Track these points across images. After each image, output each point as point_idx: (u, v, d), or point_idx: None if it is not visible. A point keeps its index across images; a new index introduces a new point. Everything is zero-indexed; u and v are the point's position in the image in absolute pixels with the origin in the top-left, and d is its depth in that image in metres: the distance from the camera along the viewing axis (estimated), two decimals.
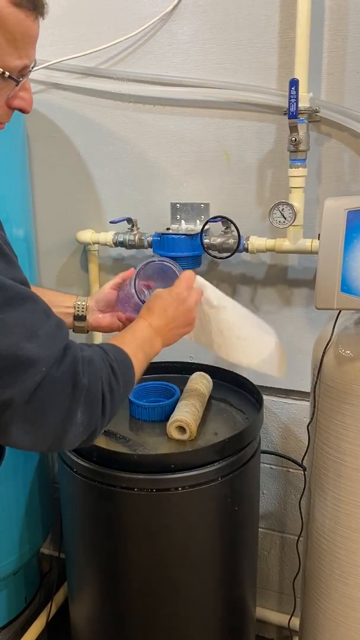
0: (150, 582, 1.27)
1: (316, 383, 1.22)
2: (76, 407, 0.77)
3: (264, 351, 1.17)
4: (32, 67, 0.82)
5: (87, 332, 1.23)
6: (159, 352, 1.03)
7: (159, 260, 1.17)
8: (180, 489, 1.19)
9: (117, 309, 1.21)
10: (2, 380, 0.72)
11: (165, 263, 1.17)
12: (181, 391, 1.43)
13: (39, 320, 0.77)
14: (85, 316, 1.20)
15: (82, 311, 1.20)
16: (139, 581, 1.28)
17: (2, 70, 0.77)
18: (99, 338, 1.68)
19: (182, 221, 1.52)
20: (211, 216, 1.48)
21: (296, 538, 1.58)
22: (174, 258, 1.47)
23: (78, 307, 1.21)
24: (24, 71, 0.80)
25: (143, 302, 1.09)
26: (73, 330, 1.20)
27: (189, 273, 1.11)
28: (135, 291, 1.12)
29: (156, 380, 1.49)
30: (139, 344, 0.96)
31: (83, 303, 1.21)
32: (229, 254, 1.43)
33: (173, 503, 1.21)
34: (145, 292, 1.19)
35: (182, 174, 1.54)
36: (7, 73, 0.77)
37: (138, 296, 1.12)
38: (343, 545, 1.19)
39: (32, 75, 1.60)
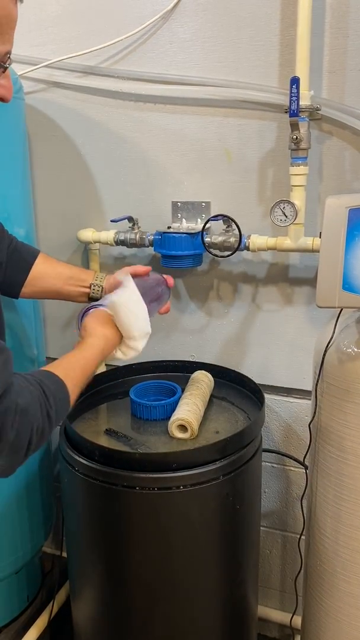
0: (152, 581, 1.27)
1: (318, 381, 1.22)
2: None
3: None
4: (10, 54, 0.81)
5: None
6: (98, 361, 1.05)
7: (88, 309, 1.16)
8: (181, 487, 1.19)
9: None
10: None
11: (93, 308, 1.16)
12: (182, 390, 1.43)
13: None
14: (100, 290, 1.25)
15: (98, 293, 1.24)
16: (140, 580, 1.28)
17: None
18: None
19: (183, 220, 1.52)
20: (212, 215, 1.48)
21: (298, 536, 1.58)
22: (174, 257, 1.48)
23: (94, 289, 1.24)
24: (4, 57, 0.79)
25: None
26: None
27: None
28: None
29: (157, 379, 1.49)
30: (83, 375, 0.98)
31: (100, 284, 1.24)
32: (230, 252, 1.43)
33: (174, 502, 1.21)
34: None
35: (183, 173, 1.53)
36: None
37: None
38: (345, 543, 1.19)
39: (32, 74, 1.61)
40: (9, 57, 0.80)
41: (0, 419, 0.76)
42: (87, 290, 1.26)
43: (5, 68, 0.79)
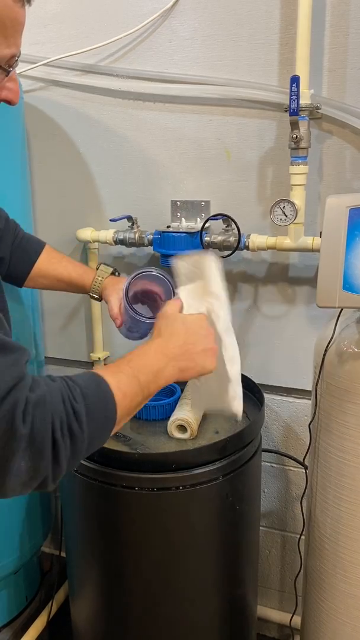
0: (151, 581, 1.27)
1: (318, 381, 1.21)
2: (14, 456, 0.68)
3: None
4: (18, 57, 0.80)
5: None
6: (169, 380, 0.87)
7: (147, 271, 1.12)
8: (181, 487, 1.19)
9: None
10: None
11: (154, 273, 1.12)
12: (182, 390, 1.43)
13: None
14: (101, 297, 1.25)
15: (97, 293, 1.24)
16: (140, 580, 1.27)
17: None
18: None
19: (183, 219, 1.51)
20: (212, 214, 1.47)
21: (297, 537, 1.58)
22: (174, 256, 1.46)
23: (94, 290, 1.25)
24: (11, 61, 0.78)
25: (139, 315, 1.10)
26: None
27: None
28: (130, 307, 1.12)
29: None
30: (140, 371, 0.82)
31: (97, 291, 1.24)
32: (230, 252, 1.43)
33: (174, 502, 1.21)
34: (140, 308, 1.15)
35: (183, 172, 1.53)
36: None
37: (134, 309, 1.12)
38: (345, 543, 1.19)
39: (31, 72, 1.60)
40: (17, 61, 0.80)
41: (10, 412, 0.68)
42: (86, 291, 1.29)
43: (9, 72, 0.78)
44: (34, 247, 1.28)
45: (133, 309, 1.13)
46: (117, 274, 1.28)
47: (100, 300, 1.28)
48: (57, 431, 0.71)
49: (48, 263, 1.27)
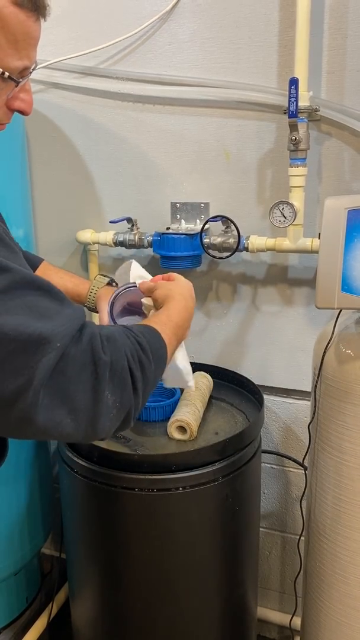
0: (151, 582, 1.27)
1: (317, 382, 1.22)
2: (102, 386, 0.71)
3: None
4: (33, 69, 0.82)
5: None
6: (185, 334, 0.99)
7: (131, 286, 1.13)
8: (180, 489, 1.19)
9: None
10: (15, 363, 0.66)
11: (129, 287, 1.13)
12: (182, 391, 1.43)
13: (50, 304, 0.72)
14: (95, 308, 1.22)
15: (92, 303, 1.22)
16: (140, 581, 1.27)
17: (1, 70, 0.76)
18: None
19: (182, 221, 1.52)
20: (211, 215, 1.48)
21: (297, 538, 1.58)
22: (173, 258, 1.47)
23: (89, 300, 1.22)
24: (24, 72, 0.80)
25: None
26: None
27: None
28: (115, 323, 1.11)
29: None
30: (167, 327, 0.89)
31: (93, 302, 1.21)
32: (229, 253, 1.43)
33: (174, 503, 1.21)
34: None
35: (182, 174, 1.53)
36: (6, 73, 0.77)
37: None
38: (344, 544, 1.19)
39: (31, 75, 1.60)
40: (30, 73, 0.81)
41: (90, 344, 0.71)
42: (82, 303, 1.24)
43: (18, 82, 0.79)
44: (32, 260, 1.27)
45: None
46: (114, 284, 1.25)
47: (97, 312, 1.24)
48: (130, 361, 0.75)
49: (43, 274, 1.24)
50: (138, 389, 0.76)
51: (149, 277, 1.11)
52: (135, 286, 1.08)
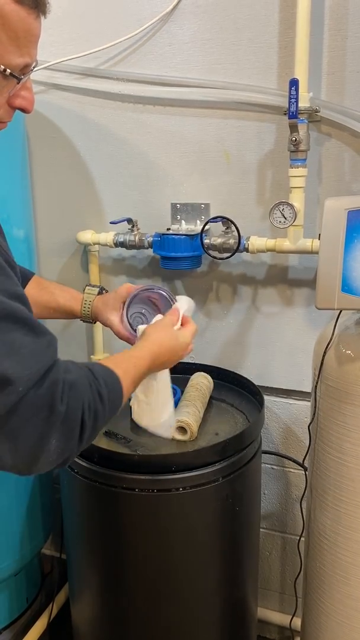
0: (151, 583, 1.27)
1: (317, 383, 1.22)
2: (50, 433, 0.73)
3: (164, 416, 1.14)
4: (34, 67, 0.82)
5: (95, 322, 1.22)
6: (152, 372, 1.02)
7: (148, 289, 1.15)
8: (181, 489, 1.19)
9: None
10: None
11: (157, 291, 1.15)
12: (182, 392, 1.43)
13: (25, 338, 0.73)
14: (92, 320, 1.20)
15: (88, 317, 1.20)
16: (140, 581, 1.28)
17: (3, 67, 0.76)
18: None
19: (183, 221, 1.52)
20: (211, 216, 1.48)
21: (297, 538, 1.58)
22: (174, 258, 1.47)
23: (84, 314, 1.20)
24: (25, 70, 0.80)
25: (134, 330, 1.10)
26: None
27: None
28: (129, 322, 1.12)
29: None
30: (134, 369, 0.92)
31: (88, 315, 1.19)
32: (230, 254, 1.43)
33: (174, 504, 1.21)
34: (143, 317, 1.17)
35: (183, 174, 1.53)
36: (8, 71, 0.77)
37: (131, 326, 1.12)
38: (344, 545, 1.19)
39: (32, 75, 1.60)
40: (31, 70, 0.81)
41: (50, 390, 0.73)
42: (77, 317, 1.23)
43: (20, 79, 0.80)
44: (24, 275, 1.24)
45: (131, 326, 1.12)
46: (103, 291, 1.24)
47: (93, 323, 1.22)
48: (85, 412, 0.77)
49: (34, 290, 1.20)
50: (84, 438, 0.78)
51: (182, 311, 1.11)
52: (160, 290, 1.12)
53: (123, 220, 1.52)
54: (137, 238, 1.53)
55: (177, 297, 1.13)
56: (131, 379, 0.90)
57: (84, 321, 1.22)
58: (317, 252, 1.23)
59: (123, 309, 1.13)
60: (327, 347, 1.18)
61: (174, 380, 1.46)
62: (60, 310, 1.22)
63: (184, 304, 1.11)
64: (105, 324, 1.19)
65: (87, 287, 1.23)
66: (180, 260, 1.48)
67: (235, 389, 1.53)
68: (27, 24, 0.77)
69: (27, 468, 0.76)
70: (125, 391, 0.87)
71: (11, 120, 0.86)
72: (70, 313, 1.22)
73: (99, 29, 1.51)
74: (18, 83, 0.80)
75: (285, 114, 1.31)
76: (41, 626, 1.69)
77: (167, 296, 1.13)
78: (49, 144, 1.65)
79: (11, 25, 0.75)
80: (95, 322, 1.22)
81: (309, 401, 1.38)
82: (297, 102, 1.28)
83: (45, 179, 1.69)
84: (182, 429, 1.29)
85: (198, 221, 1.52)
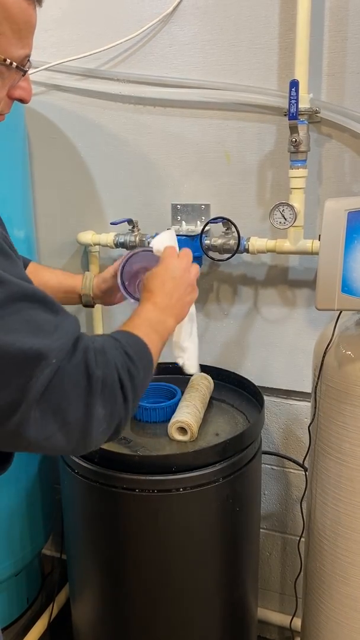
0: (152, 583, 1.27)
1: (317, 384, 1.22)
2: (94, 401, 0.72)
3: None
4: (29, 57, 0.82)
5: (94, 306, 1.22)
6: (173, 328, 0.98)
7: (141, 251, 1.11)
8: (181, 490, 1.19)
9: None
10: (11, 378, 0.67)
11: (147, 251, 1.10)
12: (182, 392, 1.44)
13: (45, 315, 0.72)
14: (93, 303, 1.20)
15: (89, 302, 1.19)
16: (140, 582, 1.28)
17: (9, 61, 0.76)
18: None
19: (183, 222, 1.52)
20: (212, 217, 1.48)
21: (297, 539, 1.58)
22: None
23: (85, 298, 1.19)
24: (24, 60, 0.80)
25: (136, 299, 1.07)
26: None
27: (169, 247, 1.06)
28: (125, 289, 1.09)
29: (157, 381, 1.49)
30: (150, 325, 0.90)
31: (88, 293, 1.18)
32: (230, 255, 1.43)
33: (174, 504, 1.21)
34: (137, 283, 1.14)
35: (183, 175, 1.54)
36: (14, 64, 0.77)
37: (127, 291, 1.09)
38: (344, 545, 1.19)
39: (32, 77, 1.61)
40: (29, 61, 0.81)
41: (83, 358, 0.72)
42: (77, 300, 1.21)
43: (25, 72, 0.80)
44: (24, 262, 1.24)
45: (131, 296, 1.10)
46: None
47: (93, 304, 1.21)
48: (121, 373, 0.76)
49: (34, 273, 1.19)
50: (128, 400, 0.77)
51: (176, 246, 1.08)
52: (151, 251, 1.05)
53: (123, 221, 1.53)
54: (137, 239, 1.53)
55: (154, 240, 1.08)
56: (155, 336, 0.89)
57: (84, 305, 1.20)
58: (317, 253, 1.23)
59: (118, 277, 1.11)
60: (327, 348, 1.18)
61: (173, 381, 1.48)
62: (61, 289, 1.21)
63: (162, 240, 1.06)
64: (106, 294, 1.18)
65: (86, 272, 1.24)
66: None
67: (235, 390, 1.53)
68: (28, 15, 0.77)
69: (83, 443, 0.73)
70: (150, 345, 0.85)
71: (9, 112, 0.86)
72: (71, 290, 1.21)
73: (99, 30, 1.51)
74: (24, 75, 0.81)
75: (285, 115, 1.31)
76: (41, 626, 1.69)
77: (150, 251, 1.08)
78: (50, 144, 1.65)
79: (14, 17, 0.75)
80: (94, 305, 1.21)
81: (309, 402, 1.38)
82: (297, 103, 1.29)
83: (46, 180, 1.70)
84: (182, 430, 1.29)
85: (198, 222, 1.52)
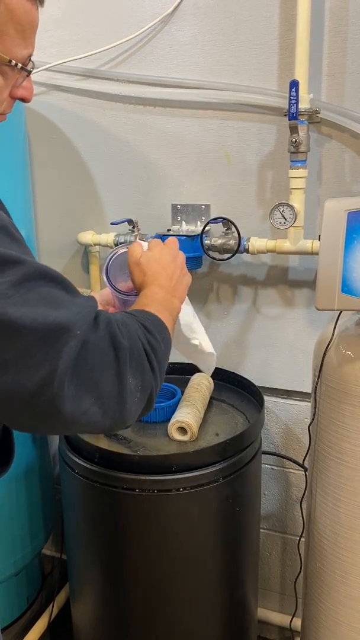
0: (152, 583, 1.27)
1: (317, 384, 1.22)
2: (125, 371, 0.71)
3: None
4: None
5: None
6: (179, 309, 0.97)
7: (122, 252, 1.10)
8: (181, 489, 1.19)
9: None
10: (37, 354, 0.65)
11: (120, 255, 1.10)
12: (182, 392, 1.44)
13: (62, 293, 0.71)
14: None
15: None
16: (140, 582, 1.28)
17: (14, 62, 0.76)
18: None
19: (183, 222, 1.52)
20: (212, 217, 1.48)
21: (297, 539, 1.58)
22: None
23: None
24: (27, 60, 0.80)
25: (125, 294, 1.06)
26: None
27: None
28: (113, 287, 1.09)
29: None
30: (161, 304, 0.89)
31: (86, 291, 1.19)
32: (230, 255, 1.43)
33: (174, 504, 1.21)
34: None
35: (183, 175, 1.54)
36: (18, 65, 0.77)
37: (115, 288, 1.09)
38: (344, 545, 1.19)
39: (33, 77, 1.61)
40: (31, 61, 0.82)
41: (108, 330, 0.71)
42: None
43: (29, 72, 0.80)
44: None
45: (116, 289, 1.10)
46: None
47: None
48: (144, 343, 0.76)
49: None
50: (155, 370, 0.77)
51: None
52: (126, 250, 1.05)
53: (124, 221, 1.53)
54: (137, 239, 1.53)
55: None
56: (163, 311, 0.88)
57: None
58: (317, 253, 1.23)
59: (104, 276, 1.10)
60: (327, 348, 1.18)
61: (173, 381, 1.48)
62: None
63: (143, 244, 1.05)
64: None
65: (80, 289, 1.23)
66: None
67: (235, 390, 1.53)
68: (31, 16, 0.77)
69: (120, 416, 0.73)
70: (165, 321, 0.85)
71: (11, 112, 0.86)
72: None
73: (99, 30, 1.52)
74: (28, 75, 0.81)
75: (285, 115, 1.31)
76: (41, 626, 1.69)
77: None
78: (50, 145, 1.66)
79: (18, 18, 0.75)
80: None
81: (309, 402, 1.38)
82: (297, 103, 1.29)
83: (46, 180, 1.70)
84: (182, 430, 1.29)
85: (198, 222, 1.52)
